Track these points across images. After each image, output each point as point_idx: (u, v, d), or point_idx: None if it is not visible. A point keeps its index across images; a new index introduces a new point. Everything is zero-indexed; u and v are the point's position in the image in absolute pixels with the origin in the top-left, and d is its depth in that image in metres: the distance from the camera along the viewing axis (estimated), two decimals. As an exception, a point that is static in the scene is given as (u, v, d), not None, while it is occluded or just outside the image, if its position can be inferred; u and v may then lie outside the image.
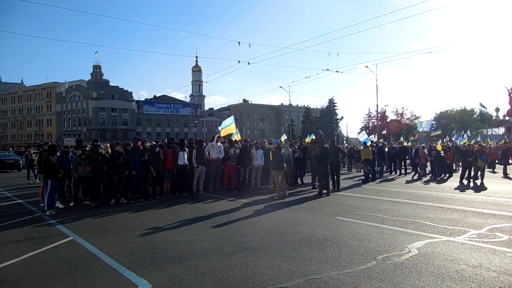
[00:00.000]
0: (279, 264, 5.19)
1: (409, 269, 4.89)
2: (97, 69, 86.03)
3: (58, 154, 10.51)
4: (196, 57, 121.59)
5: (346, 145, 34.70)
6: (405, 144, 24.47)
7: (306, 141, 25.43)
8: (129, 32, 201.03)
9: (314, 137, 30.07)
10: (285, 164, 12.76)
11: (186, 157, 12.39)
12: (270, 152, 12.74)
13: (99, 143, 11.32)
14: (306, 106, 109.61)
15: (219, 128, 18.55)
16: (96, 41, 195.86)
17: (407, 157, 21.09)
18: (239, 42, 26.25)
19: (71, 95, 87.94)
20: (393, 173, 21.24)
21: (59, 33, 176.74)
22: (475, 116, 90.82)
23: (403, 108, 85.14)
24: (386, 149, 21.57)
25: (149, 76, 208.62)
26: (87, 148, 11.54)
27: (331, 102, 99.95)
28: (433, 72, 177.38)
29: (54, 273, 5.04)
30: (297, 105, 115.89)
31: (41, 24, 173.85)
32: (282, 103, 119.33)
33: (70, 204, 10.87)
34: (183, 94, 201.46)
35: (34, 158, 19.09)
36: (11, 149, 57.01)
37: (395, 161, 21.59)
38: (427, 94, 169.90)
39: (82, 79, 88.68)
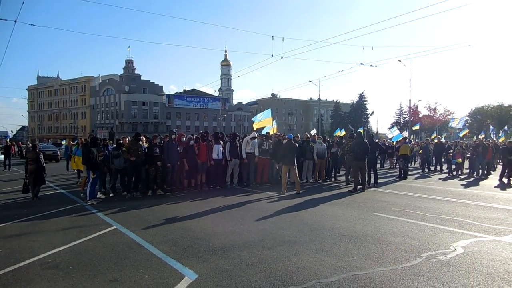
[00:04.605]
0: (321, 258, 5.18)
1: (457, 268, 4.77)
2: (129, 64, 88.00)
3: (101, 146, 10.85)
4: (225, 51, 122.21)
5: (376, 140, 33.95)
6: (441, 140, 23.82)
7: (337, 135, 25.28)
8: (160, 26, 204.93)
9: (344, 132, 29.81)
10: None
11: (220, 151, 12.53)
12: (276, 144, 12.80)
13: (141, 136, 11.64)
14: (335, 100, 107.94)
15: (253, 120, 18.55)
16: (128, 36, 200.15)
17: (443, 153, 20.52)
18: (272, 36, 26.02)
19: (104, 89, 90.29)
20: (426, 170, 20.77)
21: (93, 28, 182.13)
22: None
23: (436, 103, 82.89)
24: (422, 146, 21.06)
25: (179, 71, 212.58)
26: (121, 141, 11.79)
27: (361, 96, 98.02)
28: (469, 67, 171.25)
29: (102, 260, 5.22)
30: (326, 99, 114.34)
31: (76, 20, 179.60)
32: (311, 98, 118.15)
33: (110, 195, 11.21)
34: (212, 88, 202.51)
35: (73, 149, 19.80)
36: (49, 141, 59.40)
37: (429, 158, 21.18)
38: (462, 89, 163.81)
39: (115, 73, 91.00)
